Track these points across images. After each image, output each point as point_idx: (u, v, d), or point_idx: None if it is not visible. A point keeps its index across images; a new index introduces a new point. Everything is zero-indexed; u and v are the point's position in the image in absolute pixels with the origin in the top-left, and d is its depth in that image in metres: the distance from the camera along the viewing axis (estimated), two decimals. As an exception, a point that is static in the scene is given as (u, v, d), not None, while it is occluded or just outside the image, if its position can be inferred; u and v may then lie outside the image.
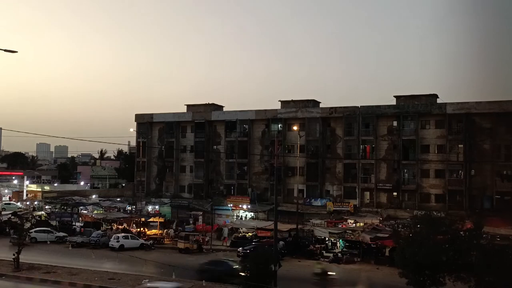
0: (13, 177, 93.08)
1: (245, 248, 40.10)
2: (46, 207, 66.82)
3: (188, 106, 70.01)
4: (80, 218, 56.17)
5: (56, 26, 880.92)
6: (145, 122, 70.76)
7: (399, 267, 24.53)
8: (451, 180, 52.58)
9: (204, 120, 66.28)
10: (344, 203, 55.65)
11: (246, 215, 58.89)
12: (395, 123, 56.12)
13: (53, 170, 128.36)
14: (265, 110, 63.25)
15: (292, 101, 62.77)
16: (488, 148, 51.89)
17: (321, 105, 62.27)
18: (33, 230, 45.55)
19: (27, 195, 78.52)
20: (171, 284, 21.46)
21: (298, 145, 57.11)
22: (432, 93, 56.45)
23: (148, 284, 22.55)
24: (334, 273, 31.00)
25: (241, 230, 50.58)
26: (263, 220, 52.76)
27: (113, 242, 43.07)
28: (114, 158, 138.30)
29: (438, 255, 22.64)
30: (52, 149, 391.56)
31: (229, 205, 60.32)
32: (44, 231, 46.81)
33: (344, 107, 58.76)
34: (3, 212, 59.42)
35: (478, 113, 52.28)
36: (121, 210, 60.29)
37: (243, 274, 24.89)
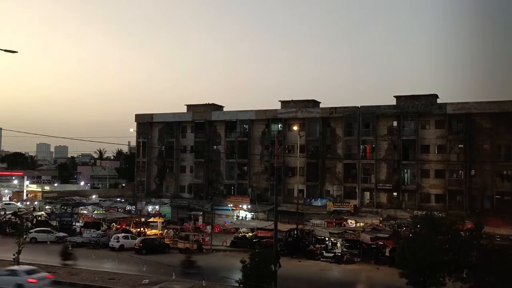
0: (13, 177, 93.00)
1: None
2: (46, 207, 66.74)
3: (188, 106, 70.04)
4: (79, 219, 56.17)
5: (57, 26, 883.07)
6: (145, 122, 70.77)
7: (399, 267, 24.54)
8: (451, 180, 52.61)
9: (204, 120, 66.30)
10: (344, 203, 55.64)
11: (246, 215, 58.87)
12: (395, 123, 56.15)
13: (53, 170, 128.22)
14: (265, 110, 63.25)
15: (292, 101, 62.79)
16: (488, 148, 51.92)
17: (321, 105, 62.31)
18: (33, 230, 45.55)
19: (27, 195, 78.51)
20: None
21: (298, 145, 57.10)
22: (432, 93, 56.55)
23: None
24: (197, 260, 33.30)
25: (241, 230, 50.65)
26: (263, 220, 52.75)
27: (113, 242, 43.12)
28: (113, 158, 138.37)
29: (438, 255, 22.65)
30: (52, 149, 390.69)
31: (229, 205, 60.31)
32: (44, 231, 46.79)
33: (344, 107, 58.77)
34: (2, 213, 59.40)
35: (478, 113, 52.32)
36: (121, 210, 60.31)
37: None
